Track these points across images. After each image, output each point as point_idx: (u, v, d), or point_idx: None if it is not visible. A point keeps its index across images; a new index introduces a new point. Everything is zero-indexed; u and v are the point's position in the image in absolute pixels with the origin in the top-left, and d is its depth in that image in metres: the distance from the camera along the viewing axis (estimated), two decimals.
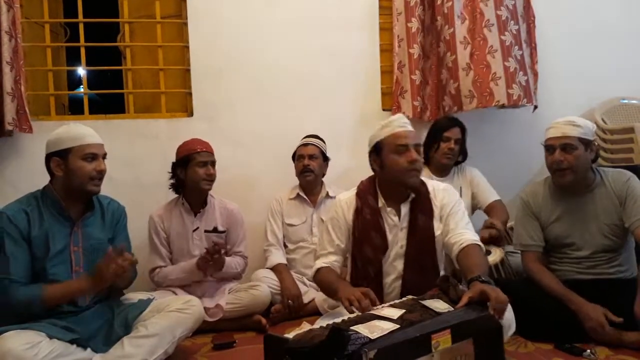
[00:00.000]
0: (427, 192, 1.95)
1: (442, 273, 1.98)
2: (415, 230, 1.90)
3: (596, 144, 2.17)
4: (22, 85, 2.59)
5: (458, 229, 1.87)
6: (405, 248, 1.90)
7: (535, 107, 3.03)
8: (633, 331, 1.95)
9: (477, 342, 1.44)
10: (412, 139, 1.88)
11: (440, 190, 1.97)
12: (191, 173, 2.48)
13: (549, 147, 2.17)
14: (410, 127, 1.92)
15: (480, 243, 1.83)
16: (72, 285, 1.84)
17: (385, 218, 1.94)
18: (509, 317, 1.69)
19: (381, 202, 1.95)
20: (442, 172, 2.80)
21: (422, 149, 1.94)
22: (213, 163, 2.53)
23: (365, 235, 1.92)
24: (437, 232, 1.92)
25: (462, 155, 2.83)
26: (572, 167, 2.12)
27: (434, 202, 1.94)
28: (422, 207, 1.92)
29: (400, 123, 1.91)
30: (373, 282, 1.89)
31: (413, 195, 1.94)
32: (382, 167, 1.92)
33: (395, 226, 1.93)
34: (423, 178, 1.99)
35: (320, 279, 1.92)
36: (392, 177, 1.90)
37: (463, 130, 2.78)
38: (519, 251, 2.38)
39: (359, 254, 1.93)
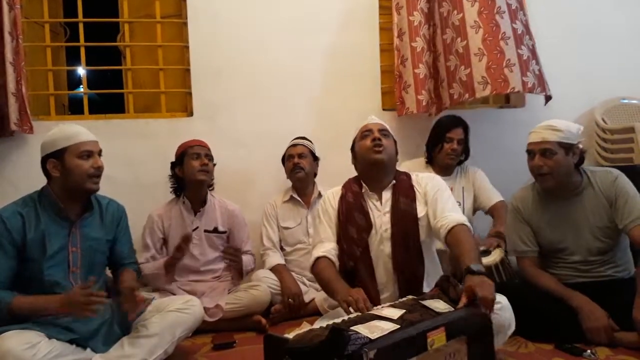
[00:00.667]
0: (409, 179, 2.06)
1: (427, 258, 1.99)
2: (398, 212, 1.97)
3: (580, 146, 2.13)
4: (23, 86, 2.59)
5: (444, 212, 1.91)
6: (391, 231, 1.96)
7: (549, 97, 2.94)
8: (631, 331, 1.94)
9: (470, 339, 1.45)
10: (376, 125, 2.06)
11: (424, 177, 2.07)
12: (187, 168, 2.52)
13: (529, 152, 2.17)
14: (377, 120, 2.11)
15: (467, 223, 1.86)
16: (40, 301, 1.76)
17: (367, 202, 2.03)
18: (508, 316, 1.72)
19: (364, 188, 2.05)
20: (445, 171, 2.80)
21: (390, 135, 2.07)
22: (207, 156, 2.55)
23: (350, 217, 2.00)
24: (421, 214, 1.97)
25: (464, 154, 2.83)
26: (552, 172, 2.10)
27: (416, 188, 2.03)
28: (403, 191, 2.01)
29: (368, 119, 2.11)
30: (361, 262, 1.95)
31: (394, 181, 2.03)
32: (356, 158, 2.09)
33: (379, 210, 2.01)
34: (410, 172, 2.12)
35: (319, 273, 1.93)
36: (362, 160, 2.04)
37: (466, 129, 2.77)
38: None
39: (345, 236, 1.99)
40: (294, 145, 2.83)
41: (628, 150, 2.96)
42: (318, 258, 1.96)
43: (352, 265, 1.94)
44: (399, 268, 1.94)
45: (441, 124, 2.81)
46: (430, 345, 1.36)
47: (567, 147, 2.09)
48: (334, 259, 1.97)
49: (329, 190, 2.15)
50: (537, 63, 2.87)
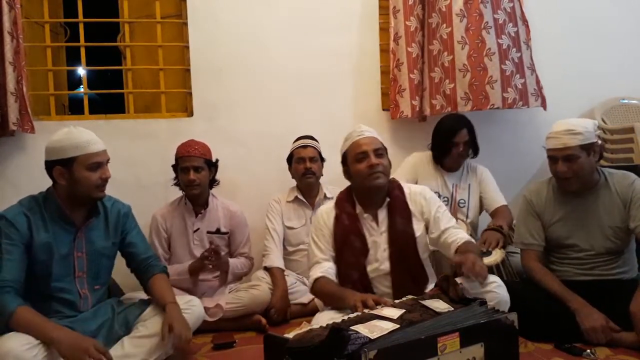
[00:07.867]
0: (403, 195, 2.02)
1: (429, 270, 2.03)
2: (396, 233, 1.97)
3: (599, 142, 2.13)
4: (24, 86, 2.59)
5: (450, 229, 1.98)
6: (389, 251, 1.96)
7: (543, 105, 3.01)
8: (630, 331, 1.95)
9: (488, 346, 1.43)
10: (370, 145, 1.96)
11: (417, 193, 2.05)
12: (180, 179, 2.54)
13: (552, 158, 2.16)
14: (368, 134, 2.00)
15: (472, 239, 1.98)
16: (44, 326, 1.68)
17: (363, 223, 1.99)
18: (505, 293, 1.80)
19: (358, 208, 2.01)
20: (452, 169, 2.75)
21: (384, 152, 2.00)
22: (197, 168, 2.47)
23: (346, 240, 1.97)
24: (418, 233, 1.98)
25: (473, 151, 2.74)
26: (576, 175, 2.11)
27: (410, 205, 2.01)
28: (399, 211, 1.99)
29: (358, 132, 2.00)
30: (358, 284, 1.93)
31: (388, 199, 2.00)
32: (350, 176, 2.03)
33: (375, 231, 1.99)
34: (401, 182, 2.09)
35: (320, 290, 1.92)
36: (359, 183, 1.99)
37: (470, 128, 2.68)
38: (519, 250, 2.37)
39: (342, 259, 1.97)
40: (304, 147, 2.74)
41: (628, 151, 2.96)
42: (317, 279, 1.92)
43: (350, 287, 1.89)
44: (398, 287, 1.93)
45: (444, 128, 2.69)
46: (441, 351, 1.35)
47: (588, 148, 2.09)
48: (333, 278, 1.94)
49: (323, 206, 2.11)
50: (522, 76, 2.91)
